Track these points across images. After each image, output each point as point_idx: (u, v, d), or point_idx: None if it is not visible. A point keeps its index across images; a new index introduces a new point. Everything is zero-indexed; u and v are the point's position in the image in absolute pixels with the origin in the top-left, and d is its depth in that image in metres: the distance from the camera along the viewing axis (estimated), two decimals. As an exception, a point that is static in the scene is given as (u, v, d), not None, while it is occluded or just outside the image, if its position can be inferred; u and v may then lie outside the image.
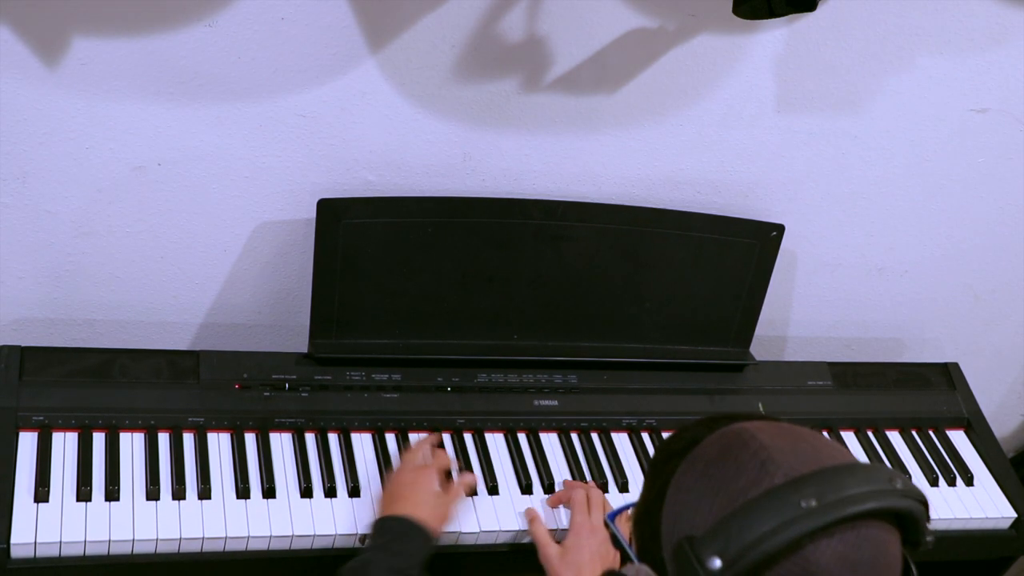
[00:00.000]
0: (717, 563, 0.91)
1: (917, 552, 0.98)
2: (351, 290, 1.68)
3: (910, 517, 0.96)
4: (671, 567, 0.96)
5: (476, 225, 1.69)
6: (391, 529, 1.43)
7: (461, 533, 1.56)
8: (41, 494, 1.44)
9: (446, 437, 1.67)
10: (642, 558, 1.03)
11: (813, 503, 0.91)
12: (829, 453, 0.98)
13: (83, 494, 1.45)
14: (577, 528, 1.54)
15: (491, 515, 1.59)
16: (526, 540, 1.59)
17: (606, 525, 1.28)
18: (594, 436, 1.74)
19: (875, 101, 1.83)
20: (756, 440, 0.97)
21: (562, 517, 1.60)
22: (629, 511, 1.16)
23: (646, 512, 1.02)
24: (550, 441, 1.72)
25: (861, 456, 1.83)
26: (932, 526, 0.98)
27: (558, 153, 1.76)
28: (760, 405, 1.85)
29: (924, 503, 0.97)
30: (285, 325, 1.84)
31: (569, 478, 1.67)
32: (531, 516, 1.58)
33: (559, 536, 1.56)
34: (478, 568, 1.61)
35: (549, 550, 1.52)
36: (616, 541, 1.12)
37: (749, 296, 1.86)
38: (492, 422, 1.71)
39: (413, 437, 1.65)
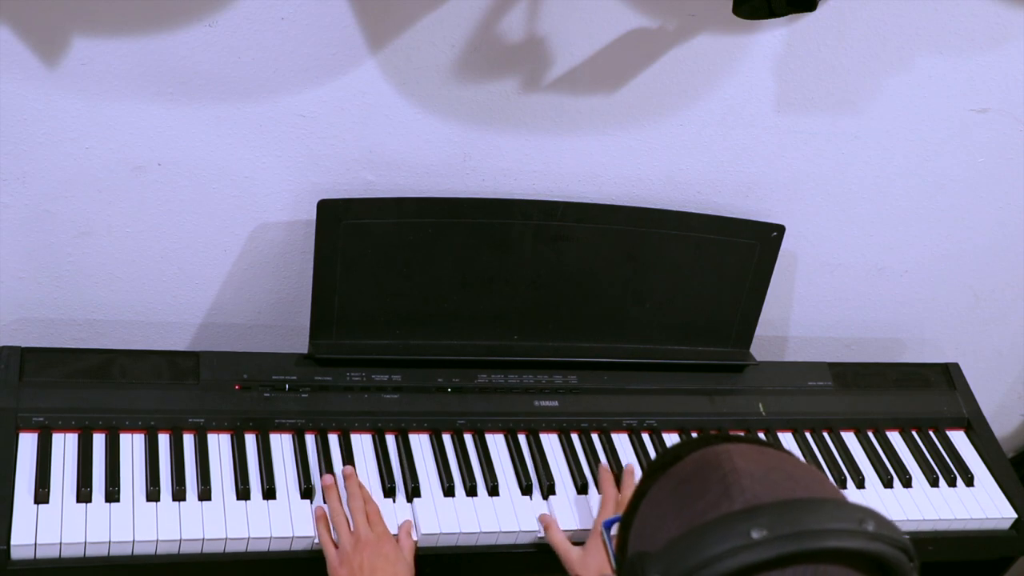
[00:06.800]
0: None
1: None
2: (351, 290, 1.67)
3: (888, 564, 0.88)
4: None
5: (476, 225, 1.69)
6: None
7: (461, 534, 1.56)
8: (41, 495, 1.44)
9: (446, 438, 1.67)
10: (616, 568, 1.01)
11: (764, 534, 0.85)
12: (805, 485, 0.91)
13: (83, 495, 1.45)
14: (595, 530, 1.55)
15: (491, 516, 1.58)
16: (526, 541, 1.59)
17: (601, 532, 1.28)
18: (594, 437, 1.74)
19: (875, 101, 1.83)
20: (730, 463, 0.93)
21: (572, 520, 1.61)
22: None
23: (623, 523, 1.01)
24: (550, 442, 1.72)
25: (863, 460, 1.83)
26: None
27: (558, 153, 1.76)
28: (760, 405, 1.85)
29: (905, 549, 0.89)
30: (285, 326, 1.84)
31: (569, 478, 1.67)
32: (546, 523, 1.57)
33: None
34: (478, 569, 1.60)
35: (570, 555, 1.52)
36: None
37: (749, 296, 1.86)
38: (492, 423, 1.70)
39: (413, 438, 1.65)
